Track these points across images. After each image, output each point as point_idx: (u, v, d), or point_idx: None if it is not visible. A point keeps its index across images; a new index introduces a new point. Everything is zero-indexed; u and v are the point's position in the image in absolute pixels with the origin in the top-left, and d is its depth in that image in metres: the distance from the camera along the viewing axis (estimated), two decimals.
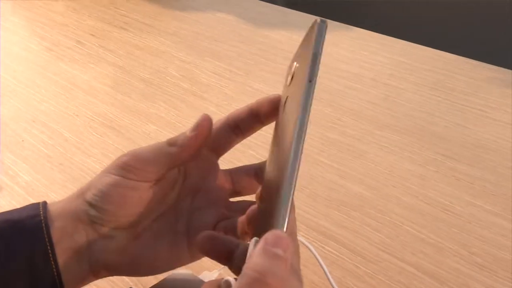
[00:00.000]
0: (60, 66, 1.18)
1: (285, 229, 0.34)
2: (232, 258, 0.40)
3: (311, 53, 0.39)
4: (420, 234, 0.75)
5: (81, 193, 0.47)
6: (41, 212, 0.45)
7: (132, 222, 0.47)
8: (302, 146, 0.36)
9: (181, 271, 0.68)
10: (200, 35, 1.27)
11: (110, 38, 1.29)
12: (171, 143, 0.46)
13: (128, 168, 0.45)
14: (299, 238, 0.52)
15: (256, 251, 0.32)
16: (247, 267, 0.32)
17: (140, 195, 0.46)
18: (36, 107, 1.05)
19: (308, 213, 0.77)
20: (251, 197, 0.48)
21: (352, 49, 1.18)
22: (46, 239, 0.44)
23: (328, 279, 0.65)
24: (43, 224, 0.44)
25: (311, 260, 0.67)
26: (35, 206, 0.46)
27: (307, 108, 0.37)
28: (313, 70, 0.38)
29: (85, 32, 1.32)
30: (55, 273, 0.44)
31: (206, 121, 0.46)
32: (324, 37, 0.40)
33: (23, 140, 0.95)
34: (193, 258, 0.49)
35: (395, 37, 1.21)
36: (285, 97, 0.43)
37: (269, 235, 0.33)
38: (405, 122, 0.94)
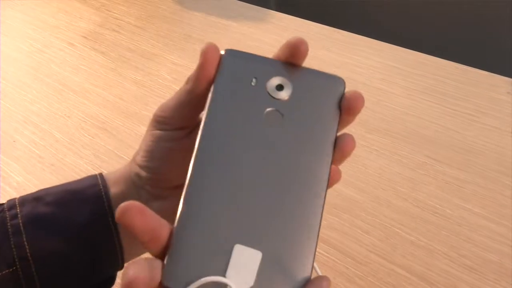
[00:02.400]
0: (51, 67, 1.18)
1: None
2: (155, 239, 0.37)
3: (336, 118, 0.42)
4: (410, 237, 0.75)
5: (133, 158, 0.48)
6: (100, 182, 0.46)
7: (181, 180, 0.46)
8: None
9: None
10: (192, 38, 1.27)
11: (102, 40, 1.29)
12: (186, 81, 0.45)
13: (160, 119, 0.46)
14: None
15: None
16: None
17: (180, 147, 0.45)
18: (27, 108, 1.05)
19: None
20: None
21: (343, 53, 1.19)
22: (107, 207, 0.45)
23: None
24: (103, 193, 0.45)
25: None
26: (92, 176, 0.47)
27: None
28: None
29: (76, 34, 1.32)
30: (116, 240, 0.45)
31: (211, 47, 0.44)
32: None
33: (14, 141, 0.95)
34: None
35: (386, 42, 1.21)
36: (267, 109, 0.42)
37: (325, 283, 0.36)
38: (395, 126, 0.95)
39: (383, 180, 0.84)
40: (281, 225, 0.38)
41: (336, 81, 0.43)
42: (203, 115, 0.41)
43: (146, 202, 0.46)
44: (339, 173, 0.44)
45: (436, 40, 1.73)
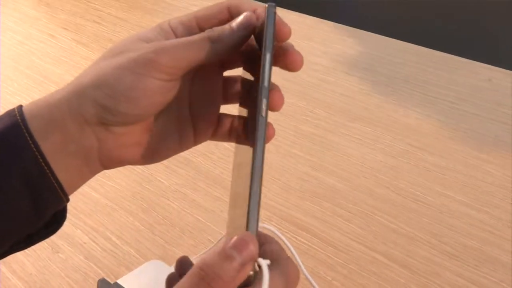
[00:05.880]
0: (32, 59, 1.18)
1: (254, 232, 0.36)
2: None
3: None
4: (391, 224, 0.75)
5: (89, 94, 0.42)
6: (24, 132, 0.41)
7: (145, 118, 0.44)
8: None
9: (154, 262, 0.68)
10: None
11: (83, 32, 1.28)
12: (214, 39, 0.42)
13: (157, 65, 0.41)
14: (271, 228, 0.53)
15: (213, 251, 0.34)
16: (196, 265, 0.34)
17: (159, 92, 0.42)
18: (8, 100, 1.04)
19: (280, 204, 0.78)
20: None
21: (325, 42, 1.19)
22: (38, 156, 0.41)
23: (301, 269, 0.66)
24: (32, 145, 0.41)
25: None
26: (11, 114, 0.42)
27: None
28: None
29: (57, 26, 1.32)
30: (52, 179, 0.41)
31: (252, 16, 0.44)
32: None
33: None
34: (196, 142, 0.49)
35: (368, 31, 1.21)
36: None
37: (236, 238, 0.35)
38: (377, 115, 0.95)
39: (365, 168, 0.84)
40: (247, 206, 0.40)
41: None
42: (263, 81, 0.40)
43: (103, 140, 0.43)
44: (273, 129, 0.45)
45: (417, 28, 1.73)
